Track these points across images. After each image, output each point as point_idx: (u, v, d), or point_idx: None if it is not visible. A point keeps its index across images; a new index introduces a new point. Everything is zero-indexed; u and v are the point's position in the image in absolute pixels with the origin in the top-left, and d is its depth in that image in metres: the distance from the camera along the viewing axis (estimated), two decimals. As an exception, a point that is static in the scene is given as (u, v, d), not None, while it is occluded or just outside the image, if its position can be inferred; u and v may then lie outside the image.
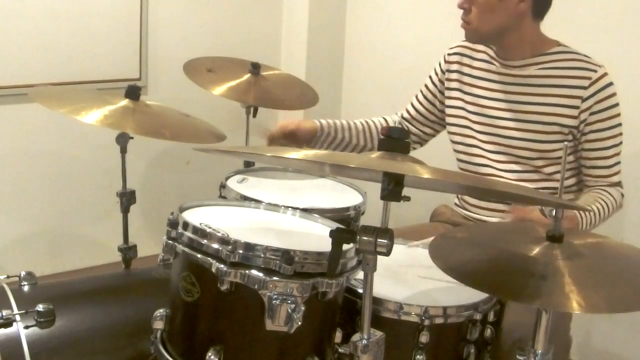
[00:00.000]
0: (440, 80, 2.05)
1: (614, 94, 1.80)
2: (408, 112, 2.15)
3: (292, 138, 2.08)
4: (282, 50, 3.33)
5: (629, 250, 1.39)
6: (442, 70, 2.05)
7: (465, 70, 1.98)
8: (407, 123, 2.15)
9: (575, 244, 1.32)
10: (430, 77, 2.09)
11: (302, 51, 3.23)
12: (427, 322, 1.42)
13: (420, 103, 2.12)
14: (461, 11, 1.86)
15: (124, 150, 2.01)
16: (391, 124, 2.17)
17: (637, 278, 1.29)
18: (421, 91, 2.12)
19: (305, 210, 1.62)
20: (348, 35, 3.29)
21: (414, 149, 2.18)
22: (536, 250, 1.29)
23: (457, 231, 1.66)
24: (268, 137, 2.11)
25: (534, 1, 1.80)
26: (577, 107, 1.80)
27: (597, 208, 1.77)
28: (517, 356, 1.31)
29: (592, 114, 1.80)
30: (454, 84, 2.00)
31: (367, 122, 2.18)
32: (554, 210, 1.30)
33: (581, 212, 1.73)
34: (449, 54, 2.03)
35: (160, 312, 1.40)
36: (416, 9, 2.99)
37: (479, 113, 1.94)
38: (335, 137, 2.13)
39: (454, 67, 2.00)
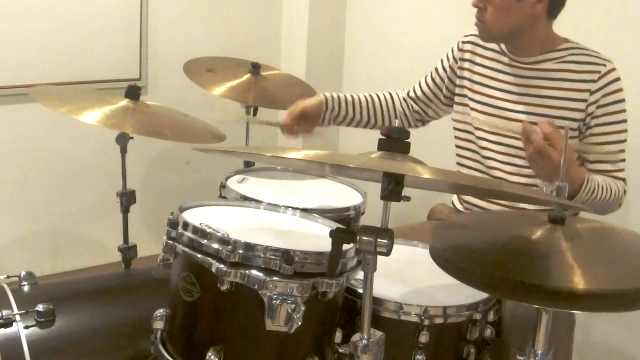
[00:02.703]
0: (450, 67, 2.06)
1: (620, 89, 1.81)
2: (414, 91, 2.17)
3: (303, 119, 2.08)
4: (282, 50, 3.33)
5: (629, 235, 1.38)
6: (454, 57, 2.05)
7: (477, 60, 1.98)
8: (411, 101, 2.17)
9: (577, 227, 1.32)
10: (441, 60, 2.10)
11: (302, 51, 3.23)
12: (427, 322, 1.42)
13: (428, 85, 2.13)
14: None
15: (124, 150, 2.01)
16: (396, 101, 2.18)
17: (637, 258, 1.28)
18: (431, 73, 2.13)
19: (305, 210, 1.62)
20: (348, 35, 3.29)
21: (416, 126, 2.20)
22: (538, 233, 1.28)
23: (459, 218, 1.65)
24: (281, 127, 2.10)
25: (550, 2, 1.80)
26: (585, 100, 1.80)
27: (602, 184, 1.75)
28: (517, 356, 1.31)
29: (599, 107, 1.80)
30: (466, 73, 2.00)
31: (371, 97, 2.18)
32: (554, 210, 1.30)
33: (588, 177, 1.72)
34: (462, 42, 2.03)
35: (160, 312, 1.40)
36: (416, 9, 2.99)
37: (486, 103, 1.94)
38: (339, 112, 2.13)
39: (467, 55, 2.00)
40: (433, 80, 2.12)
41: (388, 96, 2.20)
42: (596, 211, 1.82)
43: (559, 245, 1.24)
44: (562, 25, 1.88)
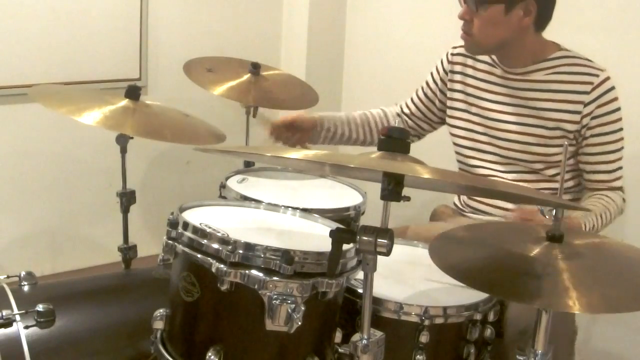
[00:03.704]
0: (441, 79, 2.05)
1: (615, 99, 1.80)
2: (407, 106, 2.15)
3: (293, 128, 2.10)
4: (282, 50, 3.33)
5: (629, 251, 1.39)
6: (444, 70, 2.04)
7: (469, 71, 1.97)
8: (405, 117, 2.15)
9: (575, 244, 1.32)
10: (431, 74, 2.08)
11: (302, 51, 3.23)
12: (427, 322, 1.42)
13: (420, 100, 2.12)
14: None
15: (124, 151, 2.01)
16: (390, 117, 2.17)
17: (637, 278, 1.29)
18: (422, 88, 2.12)
19: (305, 210, 1.62)
20: (348, 35, 3.29)
21: (412, 141, 2.17)
22: (536, 250, 1.29)
23: (457, 231, 1.66)
24: (269, 128, 2.13)
25: (537, 15, 1.79)
26: (579, 112, 1.80)
27: (600, 214, 1.76)
28: (517, 356, 1.31)
29: (593, 118, 1.79)
30: (458, 86, 1.99)
31: (365, 115, 2.19)
32: (554, 210, 1.31)
33: (584, 221, 1.73)
34: (452, 54, 2.02)
35: (160, 312, 1.40)
36: (416, 8, 2.99)
37: (481, 115, 1.93)
38: (335, 132, 2.14)
39: (457, 68, 1.99)
40: (425, 94, 2.10)
41: (382, 113, 2.19)
42: None
43: (555, 264, 1.24)
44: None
